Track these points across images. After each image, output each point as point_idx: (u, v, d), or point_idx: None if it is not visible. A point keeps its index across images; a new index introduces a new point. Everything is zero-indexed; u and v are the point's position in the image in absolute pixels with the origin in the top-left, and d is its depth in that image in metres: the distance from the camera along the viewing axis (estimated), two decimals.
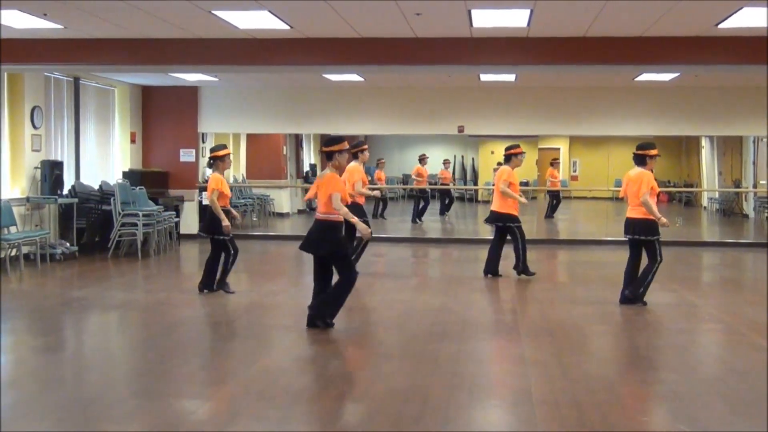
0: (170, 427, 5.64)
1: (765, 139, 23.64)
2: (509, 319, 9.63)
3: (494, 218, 12.47)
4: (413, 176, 23.35)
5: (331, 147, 8.60)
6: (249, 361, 7.63)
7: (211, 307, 10.39)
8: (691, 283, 12.40)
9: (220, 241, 10.79)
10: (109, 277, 12.81)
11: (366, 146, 12.36)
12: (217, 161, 10.81)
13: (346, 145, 8.68)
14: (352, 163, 12.26)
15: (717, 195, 27.89)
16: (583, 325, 9.28)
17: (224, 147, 11.02)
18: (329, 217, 8.53)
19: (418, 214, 22.25)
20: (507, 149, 12.45)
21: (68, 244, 14.14)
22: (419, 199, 22.54)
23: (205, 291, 10.90)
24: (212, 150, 10.99)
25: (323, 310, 8.67)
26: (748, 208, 25.47)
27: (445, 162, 26.44)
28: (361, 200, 12.51)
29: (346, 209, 8.46)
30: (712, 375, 7.36)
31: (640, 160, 10.23)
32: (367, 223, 11.90)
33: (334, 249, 8.57)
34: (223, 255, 10.90)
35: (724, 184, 27.49)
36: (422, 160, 23.22)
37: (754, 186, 24.66)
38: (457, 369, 7.26)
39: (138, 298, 11.00)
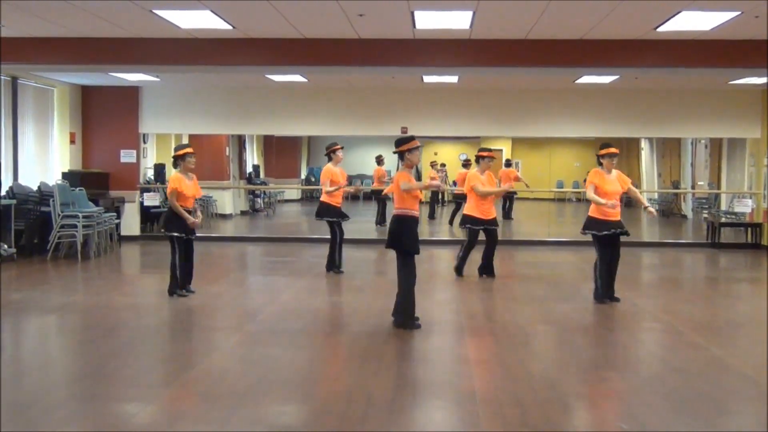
0: (112, 430, 5.57)
1: (702, 141, 24.07)
2: (453, 319, 9.66)
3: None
4: (377, 178, 22.74)
5: (400, 147, 9.01)
6: (192, 363, 7.56)
7: (153, 309, 10.29)
8: (631, 283, 12.56)
9: (168, 238, 10.70)
10: (48, 279, 12.60)
11: (338, 147, 12.77)
12: (178, 160, 10.68)
13: (414, 144, 9.05)
14: (327, 165, 12.78)
15: (656, 196, 28.32)
16: (525, 324, 9.35)
17: (185, 146, 10.90)
18: (401, 211, 8.93)
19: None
20: (480, 150, 12.82)
21: (6, 246, 13.87)
22: (381, 201, 21.93)
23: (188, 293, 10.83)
24: (175, 149, 10.95)
25: (402, 320, 8.95)
26: (687, 208, 25.92)
27: (441, 165, 26.85)
28: (334, 201, 12.62)
29: (418, 183, 9.10)
30: (652, 373, 7.46)
31: (597, 159, 10.72)
32: (339, 224, 12.80)
33: (405, 242, 8.90)
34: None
35: (663, 186, 27.95)
36: (380, 161, 22.86)
37: (693, 187, 25.10)
38: (401, 369, 7.27)
39: (78, 301, 10.83)
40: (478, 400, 6.25)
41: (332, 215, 12.76)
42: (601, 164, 10.58)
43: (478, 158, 12.65)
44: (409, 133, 18.56)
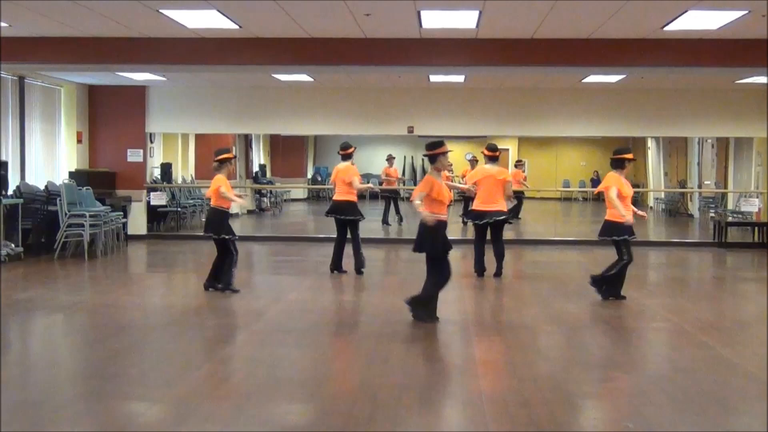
0: (119, 429, 5.58)
1: (709, 140, 24.04)
2: (459, 319, 9.65)
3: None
4: (383, 176, 22.61)
5: (433, 150, 9.16)
6: (198, 362, 7.57)
7: (159, 308, 10.31)
8: (638, 282, 12.54)
9: (223, 241, 10.88)
10: (56, 278, 12.62)
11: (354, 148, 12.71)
12: (223, 163, 10.84)
13: (445, 149, 9.20)
14: (350, 165, 12.64)
15: (663, 195, 28.28)
16: (532, 324, 9.35)
17: (227, 151, 11.09)
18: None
19: (386, 218, 21.69)
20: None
21: (13, 246, 13.90)
22: (389, 200, 21.86)
23: (210, 289, 10.94)
24: (217, 153, 11.01)
25: (422, 311, 9.12)
26: (693, 208, 25.88)
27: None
28: (348, 196, 12.53)
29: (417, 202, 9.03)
30: (659, 372, 7.46)
31: (617, 163, 10.49)
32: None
33: (429, 247, 9.08)
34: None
35: (670, 185, 27.90)
36: (390, 160, 22.51)
37: (699, 186, 25.06)
38: (407, 369, 7.27)
39: (85, 300, 10.85)
40: (485, 400, 6.25)
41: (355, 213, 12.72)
42: (619, 168, 10.45)
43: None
44: (416, 132, 18.63)
